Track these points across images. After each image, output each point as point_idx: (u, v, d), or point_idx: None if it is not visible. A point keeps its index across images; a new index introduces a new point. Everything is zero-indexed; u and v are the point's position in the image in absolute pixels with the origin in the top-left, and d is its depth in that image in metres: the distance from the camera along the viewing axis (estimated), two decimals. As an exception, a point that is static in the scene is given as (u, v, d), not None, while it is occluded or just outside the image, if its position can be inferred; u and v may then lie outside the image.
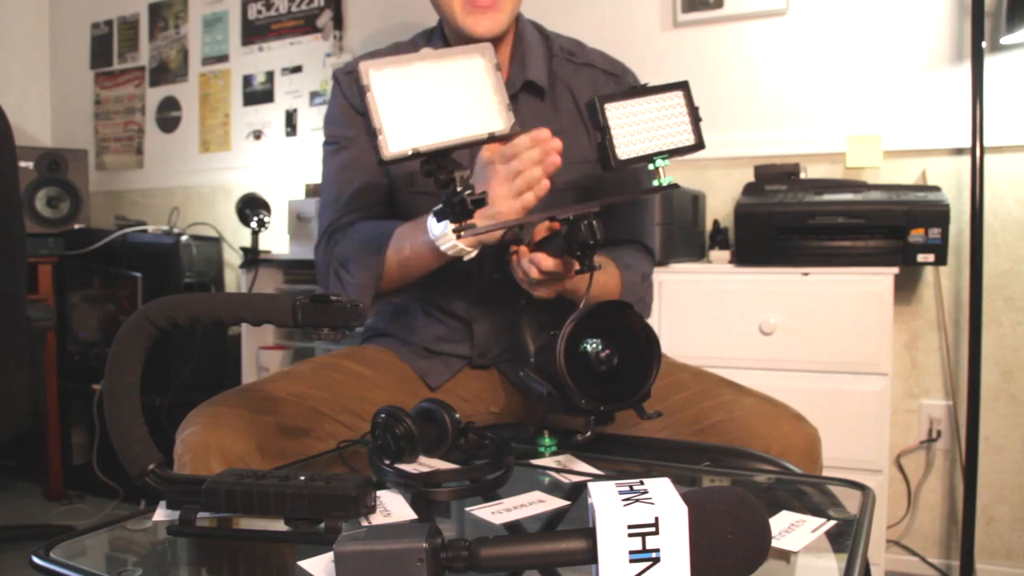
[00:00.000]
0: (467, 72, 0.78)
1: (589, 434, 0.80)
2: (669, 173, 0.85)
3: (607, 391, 0.81)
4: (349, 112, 1.20)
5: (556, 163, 0.90)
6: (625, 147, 0.81)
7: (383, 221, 1.14)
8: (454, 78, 0.77)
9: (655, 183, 0.84)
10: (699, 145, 0.85)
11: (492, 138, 0.79)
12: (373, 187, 1.18)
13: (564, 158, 1.13)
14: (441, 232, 0.97)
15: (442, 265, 1.04)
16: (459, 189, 0.77)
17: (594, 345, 0.81)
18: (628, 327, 0.81)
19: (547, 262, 0.88)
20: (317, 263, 1.18)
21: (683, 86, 0.84)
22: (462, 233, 0.80)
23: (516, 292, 1.14)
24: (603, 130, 0.80)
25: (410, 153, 0.74)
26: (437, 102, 0.76)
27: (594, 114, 0.81)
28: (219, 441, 0.89)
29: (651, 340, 0.80)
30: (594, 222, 0.81)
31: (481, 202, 0.77)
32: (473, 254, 0.99)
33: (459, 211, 0.78)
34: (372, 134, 0.73)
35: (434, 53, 0.77)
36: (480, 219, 0.87)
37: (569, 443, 0.94)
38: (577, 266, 0.84)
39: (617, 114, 0.81)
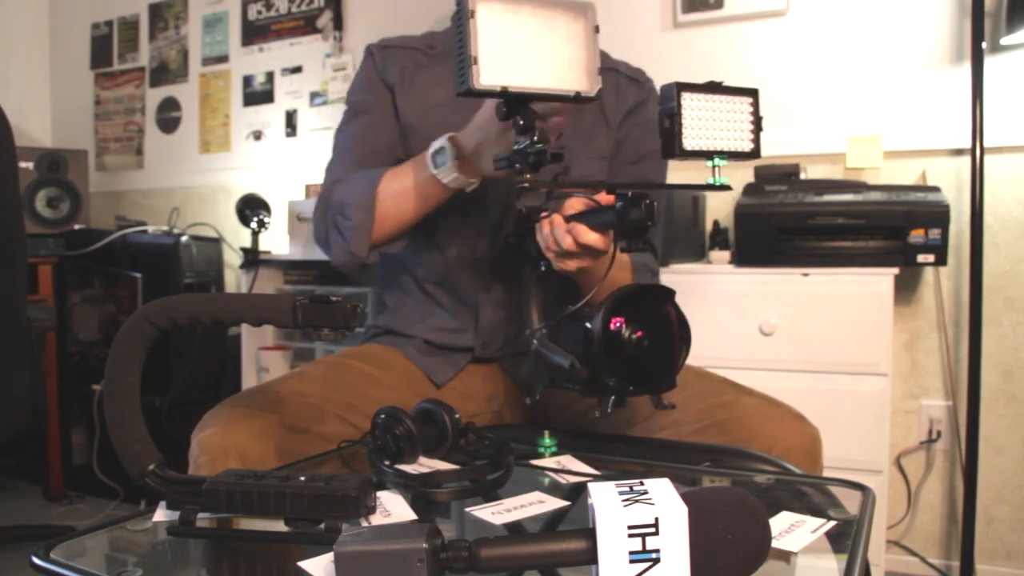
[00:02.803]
0: (568, 28, 0.78)
1: (609, 410, 0.80)
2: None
3: (630, 373, 0.80)
4: (378, 84, 1.21)
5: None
6: (692, 138, 0.80)
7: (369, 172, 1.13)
8: (554, 30, 0.77)
9: (709, 180, 0.83)
10: (755, 154, 0.84)
11: (578, 96, 0.78)
12: (385, 151, 1.18)
13: (582, 154, 1.15)
14: (443, 164, 0.98)
15: (439, 203, 1.05)
16: (536, 139, 0.77)
17: (629, 327, 0.80)
18: (663, 313, 0.81)
19: (590, 236, 0.87)
20: (314, 222, 1.17)
21: (754, 93, 0.84)
22: (526, 184, 0.80)
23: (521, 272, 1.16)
24: (674, 116, 0.79)
25: (499, 89, 0.74)
26: (534, 49, 0.76)
27: (670, 99, 0.79)
28: (237, 443, 0.90)
29: (685, 330, 0.81)
30: (654, 203, 0.80)
31: (560, 157, 0.78)
32: (475, 184, 0.99)
33: (533, 161, 0.78)
34: (465, 61, 0.73)
35: (540, 1, 0.77)
36: None
37: (568, 441, 0.94)
38: (620, 244, 0.83)
39: (691, 104, 0.80)
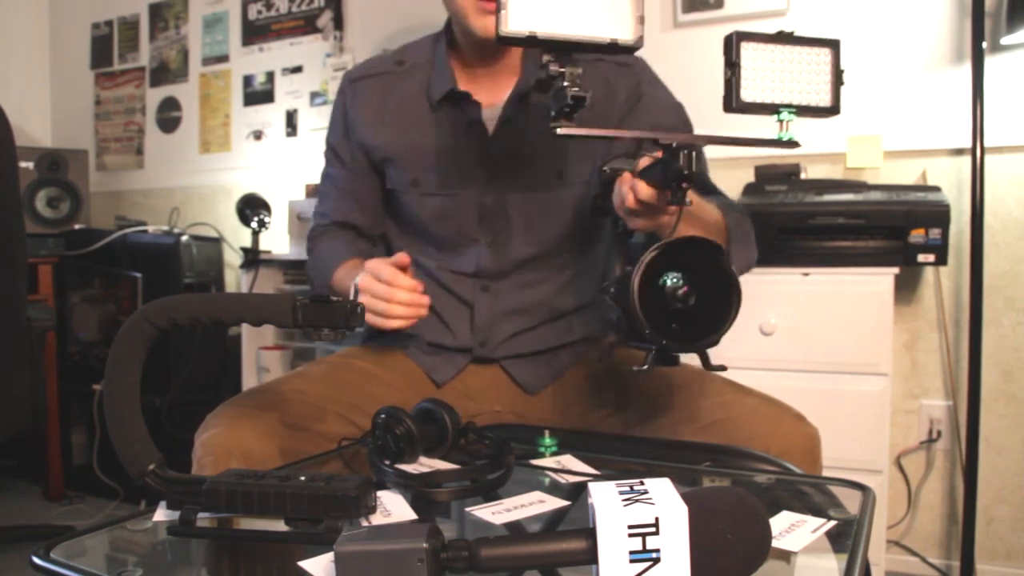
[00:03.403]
0: None
1: (646, 367, 0.77)
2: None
3: (679, 330, 0.78)
4: (340, 124, 1.25)
5: (421, 313, 0.99)
6: (752, 90, 0.76)
7: (335, 248, 1.23)
8: None
9: (778, 136, 0.79)
10: (835, 109, 0.79)
11: (615, 45, 0.75)
12: (364, 195, 1.26)
13: (573, 154, 1.14)
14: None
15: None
16: (566, 84, 0.74)
17: (674, 280, 0.78)
18: (714, 268, 0.78)
19: (644, 190, 0.84)
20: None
21: (834, 44, 0.78)
22: (559, 131, 0.77)
23: (525, 277, 1.17)
24: (733, 67, 0.75)
25: (527, 35, 0.72)
26: None
27: (729, 49, 0.75)
28: (240, 443, 0.90)
29: (733, 286, 0.77)
30: (694, 153, 0.76)
31: (582, 101, 0.75)
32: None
33: (561, 106, 0.75)
34: (498, 6, 0.71)
35: None
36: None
37: (568, 441, 0.94)
38: (669, 197, 0.81)
39: (753, 55, 0.75)
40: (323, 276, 1.21)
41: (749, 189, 1.86)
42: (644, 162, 0.88)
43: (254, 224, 2.46)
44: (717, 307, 0.78)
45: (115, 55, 3.18)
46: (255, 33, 2.86)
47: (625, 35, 0.75)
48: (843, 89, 0.81)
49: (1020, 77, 1.83)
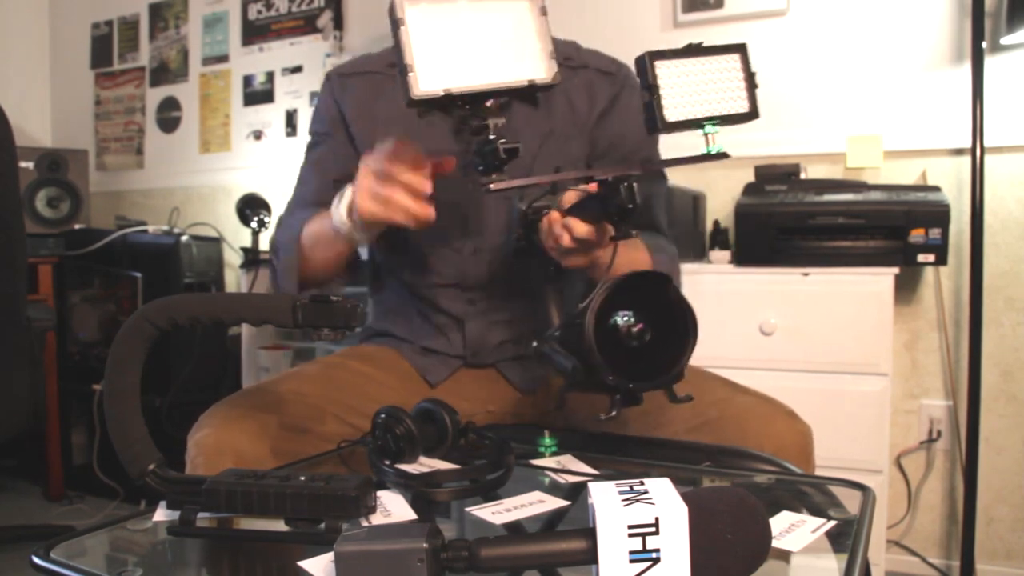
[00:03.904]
0: (510, 14, 0.73)
1: (614, 413, 0.75)
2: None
3: (637, 369, 0.76)
4: (333, 112, 1.19)
5: (426, 212, 0.87)
6: (675, 108, 0.75)
7: (303, 216, 1.12)
8: (496, 19, 0.73)
9: (706, 151, 0.78)
10: (753, 114, 0.78)
11: (532, 86, 0.74)
12: (343, 179, 1.15)
13: (556, 161, 1.11)
14: (336, 209, 0.94)
15: (343, 249, 1.03)
16: (492, 137, 0.73)
17: (625, 318, 0.76)
18: (664, 301, 0.76)
19: (580, 228, 0.83)
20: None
21: (741, 48, 0.78)
22: (491, 187, 0.75)
23: (510, 285, 1.13)
24: (651, 89, 0.74)
25: (441, 93, 0.70)
26: (476, 43, 0.71)
27: (643, 71, 0.74)
28: (233, 443, 0.89)
29: (688, 316, 0.75)
30: (634, 184, 0.75)
31: (514, 152, 0.73)
32: (360, 241, 0.96)
33: (490, 161, 0.74)
34: (403, 71, 0.69)
35: None
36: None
37: (571, 442, 0.94)
38: (612, 232, 0.80)
39: (668, 72, 0.74)
40: (288, 244, 1.08)
41: (749, 189, 1.86)
42: (571, 197, 0.87)
43: (254, 224, 2.46)
44: (673, 338, 0.76)
45: (115, 55, 3.18)
46: (255, 33, 2.86)
47: (540, 74, 0.74)
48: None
49: (1020, 77, 1.83)
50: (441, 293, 1.16)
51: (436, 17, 0.71)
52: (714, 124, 0.77)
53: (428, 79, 0.70)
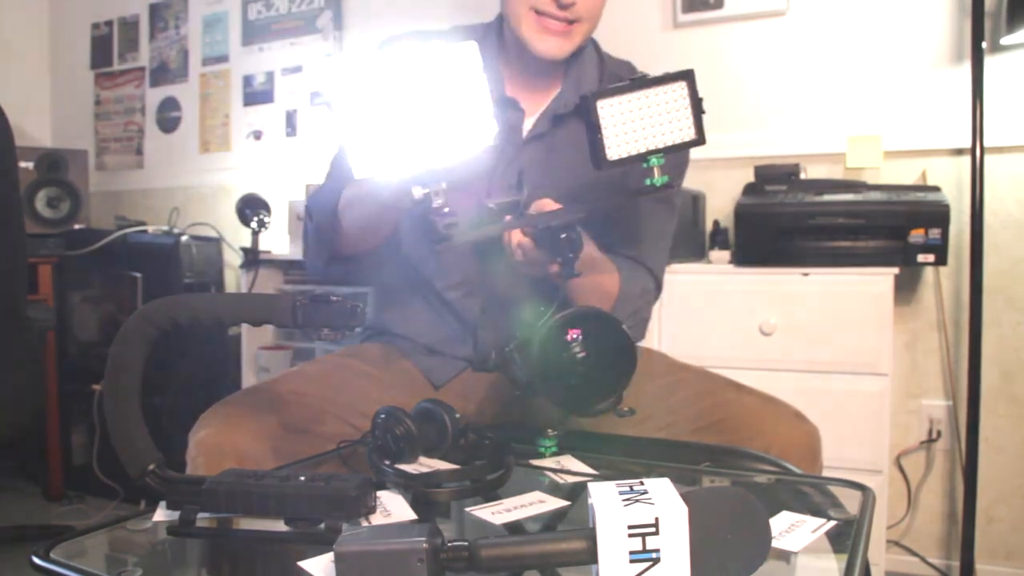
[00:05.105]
0: (448, 75, 0.73)
1: (561, 431, 0.80)
2: (666, 172, 0.80)
3: (578, 395, 0.78)
4: None
5: None
6: (617, 147, 0.77)
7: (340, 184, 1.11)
8: (431, 82, 0.72)
9: (647, 182, 0.80)
10: (699, 140, 0.79)
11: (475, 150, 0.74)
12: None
13: (591, 177, 1.10)
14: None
15: (384, 218, 1.03)
16: (435, 206, 0.74)
17: (574, 346, 0.77)
18: (613, 334, 0.78)
19: (531, 253, 0.86)
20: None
21: (687, 76, 0.78)
22: (438, 249, 0.77)
23: (522, 292, 1.13)
24: (593, 129, 0.76)
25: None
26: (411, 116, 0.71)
27: (586, 112, 0.76)
28: (234, 443, 0.89)
29: (625, 360, 0.77)
30: (573, 234, 0.77)
31: (446, 239, 0.75)
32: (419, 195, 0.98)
33: (431, 233, 0.75)
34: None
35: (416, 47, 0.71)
36: None
37: (571, 442, 0.94)
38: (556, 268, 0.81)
39: (611, 112, 0.76)
40: (326, 208, 1.07)
41: (749, 189, 1.86)
42: (544, 204, 0.87)
43: (254, 224, 2.46)
44: (615, 371, 0.78)
45: (115, 55, 3.18)
46: (255, 33, 2.86)
47: (488, 140, 0.74)
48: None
49: (1020, 77, 1.83)
50: (453, 294, 1.16)
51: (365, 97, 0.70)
52: (659, 157, 0.78)
53: (361, 168, 0.71)
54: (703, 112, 0.79)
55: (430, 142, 0.72)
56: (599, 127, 0.76)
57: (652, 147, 0.78)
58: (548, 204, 0.88)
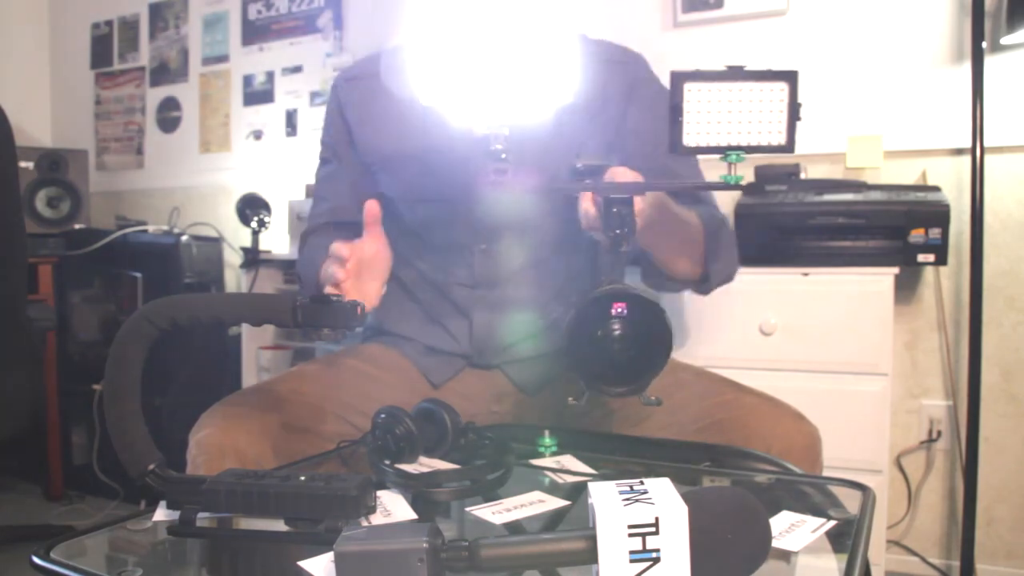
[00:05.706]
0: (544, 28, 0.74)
1: (583, 401, 0.77)
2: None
3: (613, 374, 0.75)
4: (338, 123, 1.22)
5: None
6: (696, 134, 0.73)
7: (326, 243, 1.12)
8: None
9: (722, 177, 0.77)
10: (788, 148, 0.75)
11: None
12: (344, 210, 1.20)
13: (566, 152, 1.08)
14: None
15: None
16: (492, 148, 0.74)
17: (615, 323, 0.75)
18: (652, 320, 0.75)
19: (592, 222, 0.84)
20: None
21: (790, 77, 0.73)
22: (491, 182, 0.77)
23: (519, 284, 1.15)
24: (676, 110, 0.71)
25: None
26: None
27: (673, 91, 0.71)
28: (234, 443, 0.90)
29: (660, 350, 0.74)
30: (624, 210, 0.75)
31: (495, 183, 0.75)
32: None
33: (481, 175, 0.76)
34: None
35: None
36: None
37: (571, 442, 0.94)
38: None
39: (697, 96, 0.72)
40: (310, 273, 1.12)
41: (749, 189, 1.85)
42: (616, 173, 0.85)
43: (254, 224, 2.46)
44: (650, 355, 0.75)
45: (115, 55, 3.18)
46: (255, 33, 2.86)
47: (565, 99, 0.74)
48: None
49: (1020, 77, 1.83)
50: (452, 288, 1.16)
51: None
52: (739, 155, 0.74)
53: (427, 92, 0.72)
54: (799, 119, 0.74)
55: (508, 85, 0.71)
56: (681, 109, 0.72)
57: (735, 143, 0.74)
58: (622, 173, 0.86)
